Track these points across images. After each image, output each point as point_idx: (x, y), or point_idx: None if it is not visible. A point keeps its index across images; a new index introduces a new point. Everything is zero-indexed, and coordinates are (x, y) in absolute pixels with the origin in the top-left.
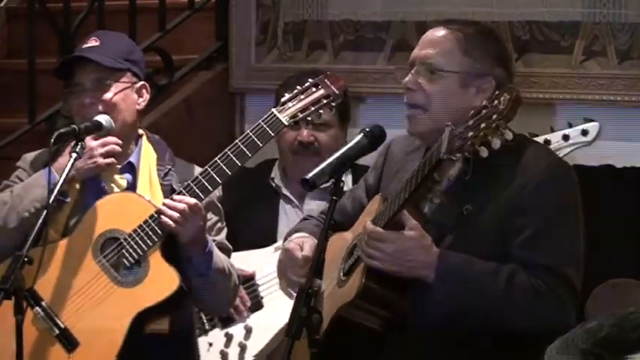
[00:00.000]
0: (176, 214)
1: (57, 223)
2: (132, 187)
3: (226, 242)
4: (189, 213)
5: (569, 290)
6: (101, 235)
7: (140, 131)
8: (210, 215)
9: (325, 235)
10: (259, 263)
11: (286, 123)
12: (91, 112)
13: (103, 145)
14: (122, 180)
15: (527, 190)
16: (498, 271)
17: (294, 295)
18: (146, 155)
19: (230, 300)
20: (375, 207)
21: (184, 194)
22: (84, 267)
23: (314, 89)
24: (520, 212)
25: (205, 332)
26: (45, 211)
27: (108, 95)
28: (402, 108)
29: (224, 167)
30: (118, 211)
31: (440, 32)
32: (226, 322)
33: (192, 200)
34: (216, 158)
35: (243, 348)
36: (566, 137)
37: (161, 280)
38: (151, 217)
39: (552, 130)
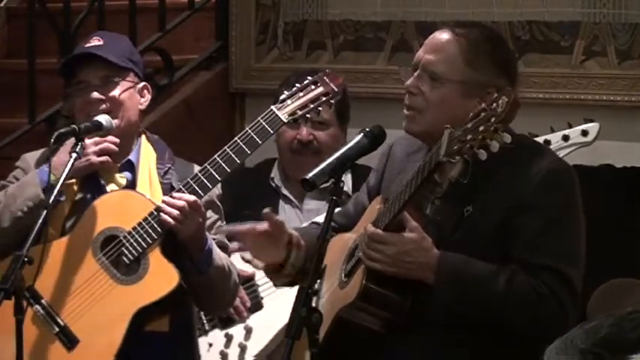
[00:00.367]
0: (175, 212)
1: (56, 221)
2: (131, 185)
3: (226, 241)
4: (188, 210)
5: (570, 291)
6: (101, 233)
7: (139, 130)
8: (209, 213)
9: (325, 235)
10: None
11: (285, 120)
12: (96, 109)
13: (97, 143)
14: (122, 178)
15: (527, 191)
16: (498, 272)
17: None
18: (145, 154)
19: (230, 298)
20: (376, 208)
21: (184, 192)
22: (83, 265)
23: (313, 87)
24: (520, 213)
25: (205, 333)
26: (45, 211)
27: (115, 93)
28: (401, 108)
29: (223, 165)
30: (118, 209)
31: (445, 37)
32: (226, 322)
33: (192, 197)
34: (215, 156)
35: (243, 348)
36: (566, 138)
37: (161, 277)
38: (151, 214)
39: (552, 131)
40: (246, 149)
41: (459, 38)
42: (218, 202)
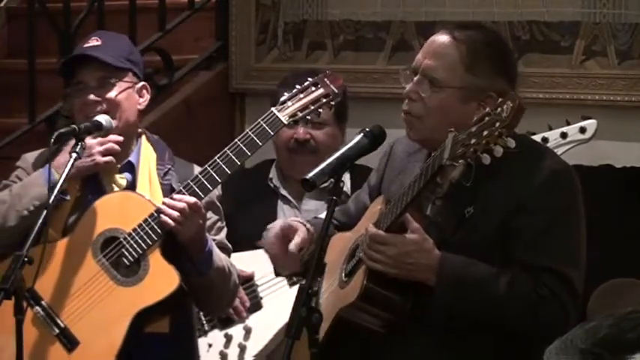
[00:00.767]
0: (176, 213)
1: (57, 222)
2: (131, 186)
3: (226, 242)
4: (188, 212)
5: (571, 292)
6: (101, 234)
7: (139, 131)
8: (210, 214)
9: (325, 235)
10: (258, 264)
11: (286, 122)
12: (94, 110)
13: (102, 143)
14: (122, 179)
15: (529, 192)
16: (499, 274)
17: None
18: (146, 155)
19: (230, 299)
20: (377, 208)
21: (184, 193)
22: (84, 266)
23: (313, 88)
24: (522, 214)
25: (205, 333)
26: (45, 211)
27: (112, 94)
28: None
29: (223, 166)
30: (118, 210)
31: (445, 41)
32: (225, 322)
33: (192, 199)
34: (215, 157)
35: (242, 348)
36: (564, 135)
37: (161, 279)
38: (151, 216)
39: (550, 128)
40: (247, 151)
41: (458, 44)
42: (218, 203)
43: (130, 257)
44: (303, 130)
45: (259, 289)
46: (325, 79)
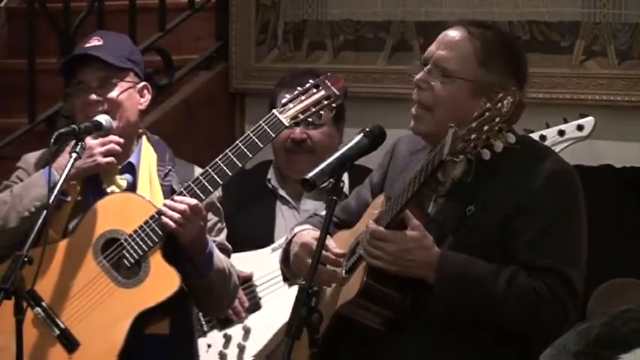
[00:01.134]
0: (177, 215)
1: (57, 223)
2: (132, 187)
3: (226, 243)
4: (189, 214)
5: (571, 292)
6: (102, 236)
7: (140, 131)
8: (210, 216)
9: (326, 234)
10: (257, 264)
11: (287, 124)
12: (95, 110)
13: (103, 144)
14: (122, 180)
15: (530, 192)
16: (499, 272)
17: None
18: (146, 156)
19: (230, 300)
20: (378, 205)
21: (185, 195)
22: (84, 267)
23: (314, 90)
24: (523, 213)
25: (204, 334)
26: (45, 211)
27: (113, 94)
28: (402, 108)
29: (224, 168)
30: (119, 212)
31: (460, 35)
32: (224, 323)
33: (193, 201)
34: (216, 159)
35: (241, 349)
36: (561, 132)
37: (162, 280)
38: (152, 217)
39: (548, 126)
40: (248, 152)
41: (473, 38)
42: (218, 205)
43: (130, 259)
44: (300, 130)
45: (258, 289)
46: (326, 81)
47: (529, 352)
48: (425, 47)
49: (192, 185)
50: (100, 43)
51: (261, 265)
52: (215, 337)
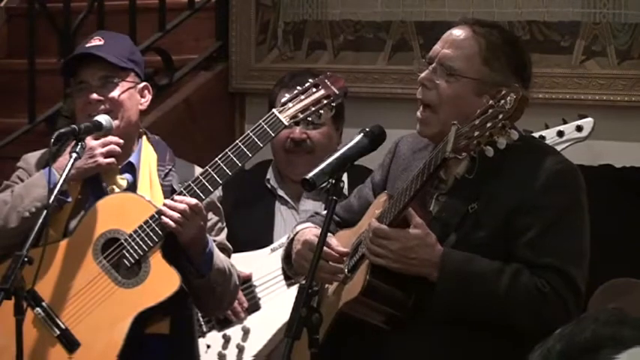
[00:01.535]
0: (177, 215)
1: (57, 223)
2: (132, 187)
3: (227, 242)
4: (189, 213)
5: (573, 291)
6: (102, 236)
7: (140, 131)
8: (210, 215)
9: (326, 233)
10: (256, 264)
11: (287, 123)
12: (96, 109)
13: (104, 144)
14: (122, 180)
15: (533, 190)
16: (502, 270)
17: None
18: (146, 155)
19: (230, 300)
20: (381, 204)
21: (185, 194)
22: (84, 267)
23: (314, 89)
24: (525, 212)
25: (203, 334)
26: (45, 211)
27: (115, 93)
28: (402, 108)
29: (224, 168)
30: (119, 212)
31: (465, 34)
32: (224, 323)
33: (193, 200)
34: (216, 159)
35: (241, 349)
36: (560, 133)
37: (162, 280)
38: (152, 217)
39: (547, 127)
40: (248, 152)
41: (478, 37)
42: (219, 204)
43: (130, 259)
44: (300, 130)
45: (257, 289)
46: (326, 81)
47: (530, 351)
48: (425, 47)
49: (193, 185)
50: (102, 42)
51: (260, 265)
52: (214, 337)
